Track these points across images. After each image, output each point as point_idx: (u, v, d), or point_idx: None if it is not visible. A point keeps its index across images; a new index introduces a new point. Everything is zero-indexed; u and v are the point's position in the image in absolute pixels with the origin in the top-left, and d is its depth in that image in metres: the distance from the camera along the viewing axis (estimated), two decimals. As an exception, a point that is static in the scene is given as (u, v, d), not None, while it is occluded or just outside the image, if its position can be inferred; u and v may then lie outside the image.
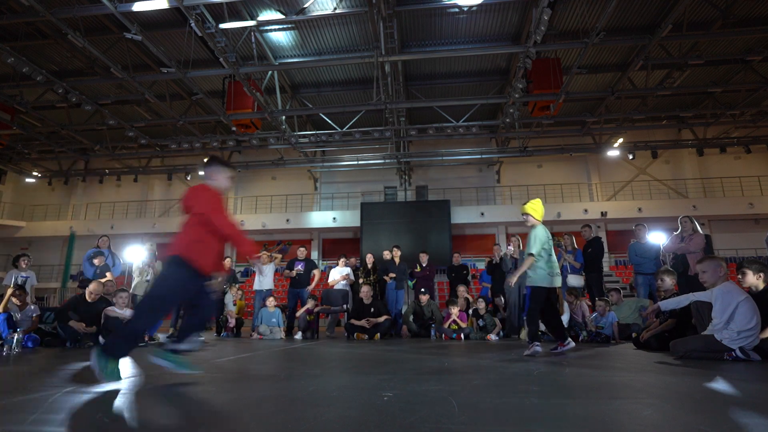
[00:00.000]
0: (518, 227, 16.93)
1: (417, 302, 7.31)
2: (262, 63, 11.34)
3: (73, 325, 5.14)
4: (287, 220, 17.83)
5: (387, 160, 16.66)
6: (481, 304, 6.99)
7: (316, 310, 7.63)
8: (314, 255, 17.97)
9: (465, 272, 8.35)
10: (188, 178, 19.12)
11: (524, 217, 4.26)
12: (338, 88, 13.74)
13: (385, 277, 7.77)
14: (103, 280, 6.41)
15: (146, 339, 5.64)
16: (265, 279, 7.99)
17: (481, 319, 6.82)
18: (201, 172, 2.72)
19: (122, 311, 5.42)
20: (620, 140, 15.58)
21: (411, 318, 7.18)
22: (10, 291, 5.48)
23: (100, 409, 1.69)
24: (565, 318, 5.92)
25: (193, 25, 8.38)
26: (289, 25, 10.54)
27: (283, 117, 13.10)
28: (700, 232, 5.76)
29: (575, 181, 17.79)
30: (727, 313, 3.25)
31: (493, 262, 7.79)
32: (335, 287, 8.15)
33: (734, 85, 12.15)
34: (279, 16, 9.73)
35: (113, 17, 8.57)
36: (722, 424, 1.40)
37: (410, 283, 8.01)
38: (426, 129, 13.48)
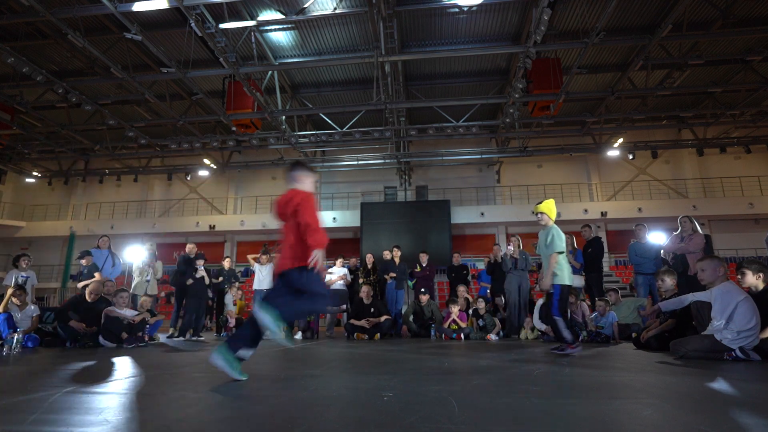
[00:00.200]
0: (518, 227, 16.94)
1: (417, 302, 7.31)
2: (262, 63, 11.34)
3: (73, 325, 5.15)
4: (287, 220, 17.82)
5: (387, 160, 16.66)
6: (481, 304, 6.99)
7: (316, 310, 7.62)
8: (314, 255, 17.94)
9: (465, 272, 8.35)
10: (188, 178, 19.12)
11: (538, 215, 4.26)
12: (338, 88, 13.74)
13: (386, 276, 7.77)
14: (92, 281, 6.43)
15: (146, 339, 5.64)
16: (264, 279, 8.00)
17: (481, 319, 6.82)
18: (291, 177, 2.74)
19: (122, 311, 5.42)
20: (620, 140, 15.58)
21: (411, 318, 7.18)
22: (10, 291, 5.48)
23: (100, 409, 1.69)
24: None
25: (193, 25, 8.38)
26: (289, 25, 10.54)
27: (283, 117, 13.10)
28: (700, 232, 5.77)
29: (575, 181, 17.79)
30: (726, 313, 3.26)
31: (491, 261, 7.78)
32: (333, 287, 8.15)
33: (734, 85, 12.14)
34: (279, 16, 9.72)
35: (113, 17, 8.56)
36: (722, 424, 1.40)
37: (410, 283, 8.01)
38: (426, 129, 13.48)
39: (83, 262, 6.78)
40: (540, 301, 6.37)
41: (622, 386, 2.20)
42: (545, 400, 1.81)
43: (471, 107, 12.96)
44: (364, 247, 15.03)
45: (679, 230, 5.92)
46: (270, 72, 12.03)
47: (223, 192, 19.71)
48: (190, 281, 6.88)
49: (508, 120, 12.53)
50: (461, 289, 7.49)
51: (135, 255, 8.07)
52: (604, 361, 3.29)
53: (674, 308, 3.84)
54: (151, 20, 9.81)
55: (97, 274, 6.60)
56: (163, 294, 9.88)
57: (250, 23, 9.72)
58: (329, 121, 13.99)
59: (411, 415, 1.52)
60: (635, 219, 13.58)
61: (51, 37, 10.49)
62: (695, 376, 2.59)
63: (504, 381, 2.37)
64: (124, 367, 3.14)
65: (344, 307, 7.93)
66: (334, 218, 17.55)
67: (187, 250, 7.82)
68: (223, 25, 9.14)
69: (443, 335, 6.62)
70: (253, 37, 10.38)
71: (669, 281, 4.61)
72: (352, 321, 6.88)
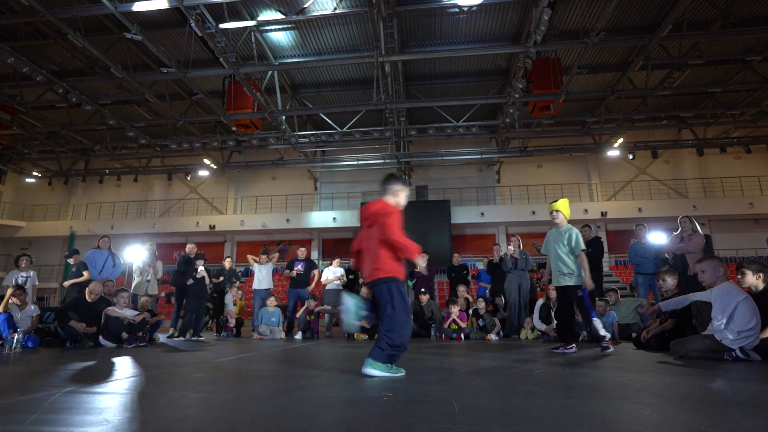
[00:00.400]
0: (518, 227, 16.94)
1: (417, 302, 7.31)
2: (262, 63, 11.34)
3: (73, 325, 5.14)
4: (287, 220, 17.84)
5: (387, 160, 16.66)
6: (481, 304, 6.99)
7: (316, 310, 7.63)
8: (314, 255, 17.97)
9: (465, 272, 8.34)
10: (188, 178, 19.12)
11: (554, 213, 4.25)
12: (338, 88, 13.74)
13: None
14: (80, 279, 6.43)
15: (146, 339, 5.64)
16: (263, 278, 8.01)
17: (481, 319, 6.82)
18: (387, 190, 2.86)
19: (122, 311, 5.42)
20: (620, 140, 15.58)
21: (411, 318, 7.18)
22: (10, 291, 5.48)
23: (100, 409, 1.69)
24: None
25: (193, 25, 8.38)
26: (289, 25, 10.54)
27: (283, 117, 13.10)
28: (700, 232, 5.77)
29: (575, 181, 17.79)
30: (726, 313, 3.25)
31: (492, 261, 7.78)
32: (331, 287, 8.16)
33: (734, 85, 12.14)
34: (279, 16, 9.72)
35: (113, 17, 8.56)
36: (722, 424, 1.40)
37: (410, 283, 8.00)
38: (426, 129, 13.48)
39: (71, 260, 6.76)
40: (540, 301, 6.37)
41: (622, 386, 2.20)
42: (545, 400, 1.81)
43: (471, 107, 12.96)
44: (364, 247, 15.00)
45: (679, 230, 5.92)
46: (270, 72, 12.03)
47: (223, 192, 19.71)
48: (190, 281, 6.89)
49: (508, 120, 12.53)
50: (461, 289, 7.49)
51: (135, 255, 8.07)
52: (604, 361, 3.29)
53: (674, 308, 3.85)
54: (151, 20, 9.81)
55: (85, 273, 6.58)
56: (163, 294, 9.88)
57: (250, 23, 9.72)
58: (329, 121, 13.99)
59: (411, 415, 1.52)
60: (635, 219, 13.58)
61: (51, 37, 10.49)
62: (695, 376, 2.59)
63: (504, 381, 2.37)
64: (124, 367, 3.14)
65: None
66: (334, 218, 17.56)
67: (187, 250, 7.82)
68: (223, 25, 9.14)
69: (443, 335, 6.62)
70: (253, 37, 10.38)
71: (670, 281, 4.61)
72: (352, 321, 6.87)
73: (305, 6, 9.46)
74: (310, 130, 15.42)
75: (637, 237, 6.77)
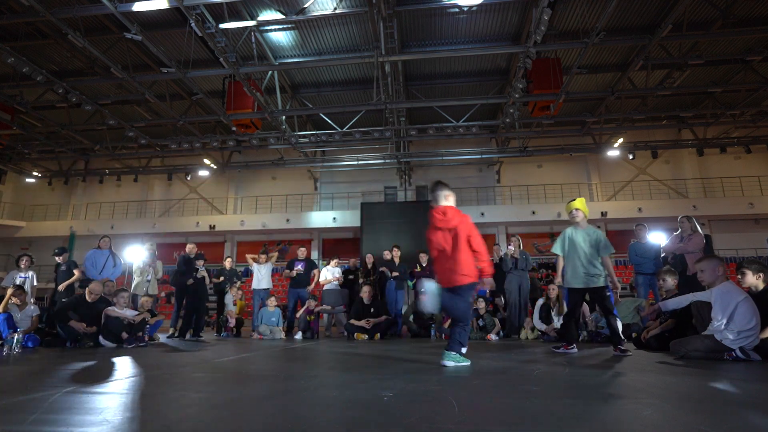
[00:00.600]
0: (518, 227, 16.94)
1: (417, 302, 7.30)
2: (262, 63, 11.34)
3: (73, 325, 5.14)
4: (287, 220, 17.84)
5: (387, 160, 16.67)
6: (481, 304, 6.99)
7: (316, 310, 7.63)
8: (314, 255, 17.97)
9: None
10: (188, 178, 19.12)
11: (573, 213, 4.16)
12: (338, 88, 13.74)
13: (390, 273, 7.71)
14: (73, 280, 6.42)
15: (146, 339, 5.64)
16: (263, 278, 8.01)
17: (480, 319, 6.82)
18: (440, 195, 3.09)
19: (122, 311, 5.42)
20: (620, 140, 15.58)
21: (411, 318, 7.18)
22: (10, 291, 5.48)
23: (100, 409, 1.69)
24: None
25: (193, 25, 8.38)
26: (289, 25, 10.54)
27: (283, 117, 13.10)
28: (700, 232, 5.76)
29: (575, 181, 17.79)
30: (726, 313, 3.25)
31: (494, 261, 7.78)
32: (329, 287, 8.17)
33: (734, 85, 12.14)
34: (279, 16, 9.72)
35: (113, 17, 8.56)
36: (722, 424, 1.40)
37: (410, 283, 8.00)
38: (426, 129, 13.48)
39: (59, 259, 6.71)
40: (540, 301, 6.37)
41: (622, 386, 2.20)
42: (545, 400, 1.81)
43: (471, 107, 12.95)
44: (364, 247, 14.97)
45: (679, 230, 5.92)
46: (270, 72, 12.03)
47: (223, 192, 19.71)
48: (190, 281, 6.88)
49: (508, 120, 12.53)
50: (461, 289, 7.47)
51: (135, 255, 8.06)
52: (604, 361, 3.29)
53: (674, 308, 3.85)
54: (151, 20, 9.81)
55: (76, 271, 6.56)
56: (163, 294, 9.88)
57: (250, 23, 9.72)
58: (329, 121, 13.99)
59: (411, 415, 1.52)
60: (635, 219, 13.57)
61: (51, 37, 10.49)
62: (695, 376, 2.59)
63: (504, 381, 2.37)
64: (124, 367, 3.14)
65: (343, 307, 7.93)
66: (334, 218, 17.56)
67: (187, 250, 7.82)
68: (223, 25, 9.14)
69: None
70: (253, 37, 10.38)
71: (670, 281, 4.61)
72: (352, 321, 6.87)
73: (305, 6, 9.46)
74: (310, 130, 15.42)
75: (637, 237, 6.76)
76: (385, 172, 18.35)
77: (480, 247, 3.11)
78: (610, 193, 17.60)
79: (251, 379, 2.58)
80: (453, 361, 2.88)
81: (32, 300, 5.93)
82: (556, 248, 4.21)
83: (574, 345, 4.06)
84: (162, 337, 6.60)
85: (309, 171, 19.04)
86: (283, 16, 9.71)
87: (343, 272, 8.54)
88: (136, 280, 7.53)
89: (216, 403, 1.80)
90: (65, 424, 1.43)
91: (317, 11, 9.78)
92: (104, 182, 19.10)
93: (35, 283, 6.45)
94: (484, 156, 17.08)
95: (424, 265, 7.98)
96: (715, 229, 16.42)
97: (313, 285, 7.98)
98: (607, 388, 2.15)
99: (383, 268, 7.82)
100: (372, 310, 6.92)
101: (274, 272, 9.39)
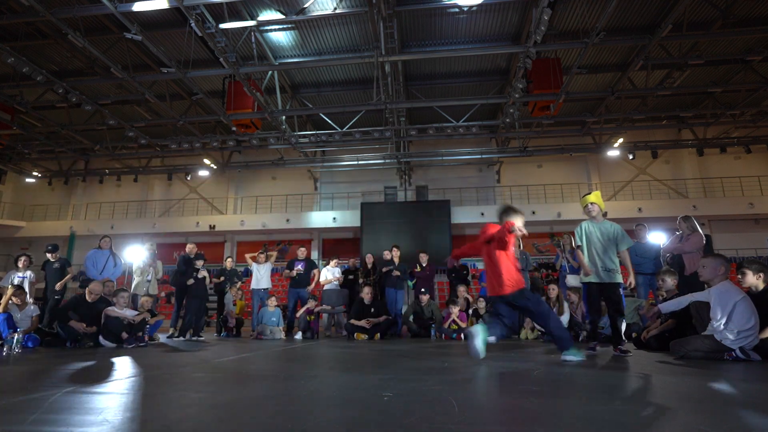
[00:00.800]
0: (518, 227, 16.88)
1: (417, 302, 7.31)
2: (262, 63, 11.34)
3: (73, 325, 5.14)
4: (287, 220, 17.84)
5: (387, 160, 16.65)
6: (482, 304, 6.99)
7: (316, 310, 7.63)
8: (314, 255, 17.97)
9: (465, 272, 8.34)
10: (188, 178, 19.12)
11: (589, 206, 4.09)
12: (338, 88, 13.74)
13: (393, 272, 7.70)
14: (66, 279, 6.41)
15: (146, 339, 5.64)
16: (262, 278, 8.02)
17: (480, 319, 6.82)
18: (501, 219, 3.28)
19: (122, 311, 5.42)
20: (620, 140, 15.57)
21: (411, 318, 7.18)
22: (10, 291, 5.48)
23: (100, 409, 1.69)
24: (565, 318, 5.93)
25: (193, 25, 8.38)
26: (289, 25, 10.54)
27: (283, 117, 13.09)
28: (699, 231, 5.76)
29: (575, 181, 17.78)
30: (725, 313, 3.25)
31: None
32: (329, 287, 8.17)
33: (734, 85, 12.14)
34: (279, 16, 9.72)
35: (113, 17, 8.56)
36: (722, 424, 1.40)
37: (410, 283, 8.01)
38: (426, 129, 13.48)
39: (51, 256, 6.69)
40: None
41: (622, 386, 2.20)
42: (545, 400, 1.81)
43: (471, 107, 12.95)
44: (364, 247, 15.03)
45: (680, 231, 5.92)
46: (270, 72, 12.03)
47: (223, 192, 19.71)
48: (191, 281, 6.88)
49: (508, 120, 12.53)
50: (461, 290, 7.49)
51: (135, 255, 8.07)
52: (604, 361, 3.29)
53: (673, 309, 3.85)
54: (151, 20, 9.81)
55: (69, 270, 6.55)
56: (163, 294, 9.88)
57: (250, 23, 9.71)
58: (329, 121, 13.99)
59: (411, 415, 1.52)
60: (635, 219, 13.57)
61: (51, 37, 10.49)
62: (695, 376, 2.59)
63: (504, 381, 2.37)
64: (124, 367, 3.14)
65: (343, 307, 7.93)
66: (334, 218, 17.55)
67: (187, 250, 7.82)
68: (223, 25, 9.14)
69: (443, 335, 6.62)
70: (253, 37, 10.38)
71: (670, 281, 4.61)
72: (353, 321, 6.88)
73: (305, 6, 9.46)
74: (310, 130, 15.42)
75: (637, 237, 6.76)
76: (385, 172, 18.35)
77: (502, 243, 3.21)
78: (610, 193, 17.59)
79: (251, 379, 2.58)
80: (571, 355, 3.12)
81: (31, 300, 5.93)
82: (576, 241, 4.10)
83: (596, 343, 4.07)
84: (162, 337, 6.60)
85: (309, 171, 19.04)
86: (283, 16, 9.71)
87: (342, 272, 8.54)
88: (136, 280, 7.53)
89: (216, 403, 1.80)
90: (65, 424, 1.43)
91: (317, 11, 9.78)
92: (104, 182, 19.10)
93: (34, 282, 6.43)
94: (484, 156, 17.08)
95: (424, 265, 8.00)
96: (715, 229, 16.41)
97: (313, 285, 7.98)
98: (606, 388, 2.15)
99: (389, 269, 7.77)
100: (372, 310, 6.92)
101: (274, 272, 9.38)
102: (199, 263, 7.02)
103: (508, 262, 3.22)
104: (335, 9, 9.62)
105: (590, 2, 9.69)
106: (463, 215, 17.01)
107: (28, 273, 6.36)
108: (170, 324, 7.49)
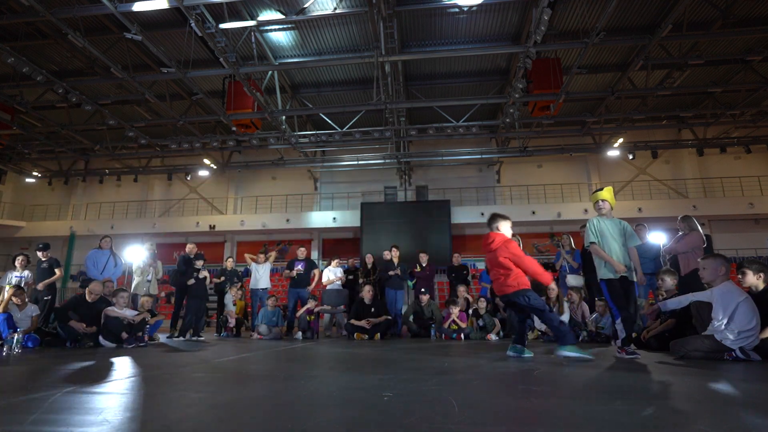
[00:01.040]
0: (517, 227, 16.81)
1: (417, 302, 7.31)
2: (262, 63, 11.34)
3: (73, 325, 5.15)
4: (287, 220, 17.83)
5: (387, 160, 16.65)
6: (482, 304, 6.99)
7: (316, 310, 7.63)
8: (314, 255, 17.96)
9: (465, 272, 8.34)
10: (188, 178, 19.12)
11: (600, 203, 3.99)
12: (338, 88, 13.74)
13: (392, 272, 7.68)
14: (53, 279, 6.39)
15: (146, 339, 5.64)
16: (261, 278, 8.02)
17: (480, 319, 6.82)
18: (493, 225, 3.84)
19: (122, 311, 5.42)
20: (620, 140, 15.57)
21: (411, 318, 7.18)
22: (10, 291, 5.48)
23: (100, 409, 1.69)
24: (565, 318, 5.93)
25: (193, 25, 8.38)
26: (289, 25, 10.53)
27: (283, 117, 13.09)
28: (698, 231, 5.75)
29: (575, 181, 17.78)
30: (726, 313, 3.26)
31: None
32: (331, 287, 8.16)
33: (734, 85, 12.13)
34: (279, 16, 9.72)
35: (113, 17, 8.56)
36: (722, 424, 1.40)
37: (410, 283, 8.00)
38: (426, 129, 13.47)
39: (41, 255, 6.62)
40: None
41: (622, 386, 2.20)
42: (545, 400, 1.81)
43: (471, 107, 12.95)
44: (364, 247, 15.03)
45: (681, 231, 5.91)
46: (270, 72, 12.03)
47: (223, 192, 19.71)
48: (191, 281, 6.88)
49: (508, 120, 12.53)
50: (461, 289, 7.48)
51: (135, 255, 8.07)
52: (604, 361, 3.29)
53: (674, 308, 3.84)
54: (151, 20, 9.81)
55: (57, 270, 6.50)
56: (163, 294, 9.88)
57: (250, 23, 9.71)
58: (329, 121, 13.99)
59: (411, 415, 1.52)
60: (635, 219, 13.57)
61: (51, 37, 10.49)
62: (695, 376, 2.59)
63: (504, 381, 2.37)
64: (124, 367, 3.14)
65: (343, 307, 7.93)
66: (334, 218, 17.55)
67: (187, 250, 7.82)
68: (223, 25, 9.13)
69: (443, 335, 6.62)
70: (253, 37, 10.38)
71: (669, 281, 4.61)
72: (353, 321, 6.88)
73: (305, 6, 9.46)
74: (310, 130, 15.42)
75: (637, 237, 6.75)
76: (385, 172, 18.35)
77: (530, 268, 3.59)
78: (610, 193, 17.58)
79: (251, 379, 2.59)
80: (571, 351, 3.23)
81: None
82: (591, 237, 3.84)
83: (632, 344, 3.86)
84: (162, 337, 6.60)
85: (309, 171, 19.04)
86: (283, 16, 9.71)
87: (343, 272, 8.55)
88: (136, 280, 7.53)
89: (216, 403, 1.80)
90: (65, 424, 1.43)
91: (317, 11, 9.78)
92: (104, 182, 19.09)
93: (30, 282, 6.42)
94: (484, 156, 17.07)
95: (423, 265, 8.00)
96: (715, 229, 16.41)
97: (313, 285, 7.97)
98: (607, 388, 2.15)
99: (394, 273, 7.72)
100: (372, 310, 6.92)
101: (274, 272, 9.39)
102: (199, 263, 7.03)
103: (512, 268, 3.59)
104: (335, 9, 9.62)
105: (590, 2, 9.69)
106: (463, 215, 17.01)
107: (26, 273, 6.36)
108: (170, 324, 7.49)
